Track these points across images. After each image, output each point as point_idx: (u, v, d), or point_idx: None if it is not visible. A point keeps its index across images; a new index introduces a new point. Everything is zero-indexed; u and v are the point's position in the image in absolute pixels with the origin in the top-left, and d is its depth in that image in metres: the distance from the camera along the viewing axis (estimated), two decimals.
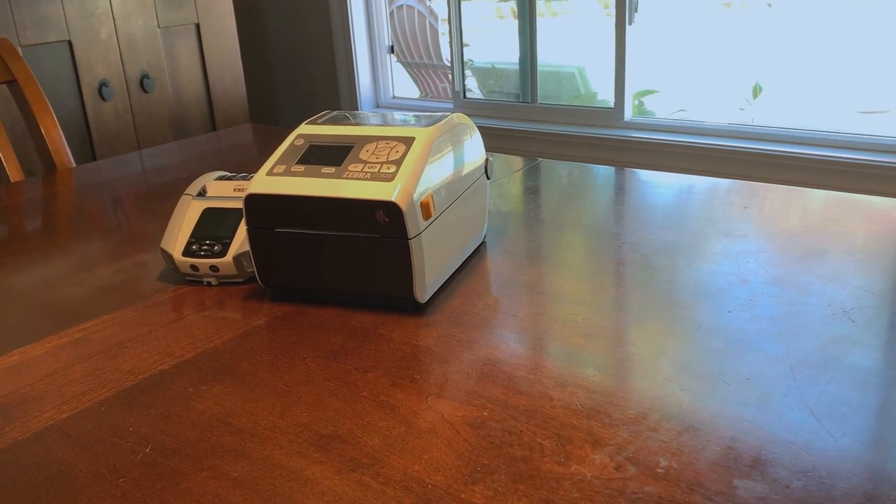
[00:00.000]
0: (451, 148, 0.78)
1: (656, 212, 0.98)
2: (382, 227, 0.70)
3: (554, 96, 3.11)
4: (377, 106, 3.18)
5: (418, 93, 3.96)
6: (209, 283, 0.82)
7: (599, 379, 0.60)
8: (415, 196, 0.70)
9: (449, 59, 3.08)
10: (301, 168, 0.74)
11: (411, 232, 0.69)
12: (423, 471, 0.51)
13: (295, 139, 0.78)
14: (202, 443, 0.55)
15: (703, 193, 1.07)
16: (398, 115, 0.86)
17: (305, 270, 0.75)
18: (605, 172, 1.21)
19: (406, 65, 3.90)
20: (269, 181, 0.74)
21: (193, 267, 0.82)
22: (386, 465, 0.51)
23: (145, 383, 0.64)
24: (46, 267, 0.91)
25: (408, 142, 0.74)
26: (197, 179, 0.90)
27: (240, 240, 0.81)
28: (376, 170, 0.71)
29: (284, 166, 0.75)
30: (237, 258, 0.81)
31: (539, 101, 2.79)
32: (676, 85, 3.33)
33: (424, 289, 0.73)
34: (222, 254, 0.81)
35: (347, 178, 0.71)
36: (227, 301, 0.79)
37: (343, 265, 0.73)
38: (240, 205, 0.85)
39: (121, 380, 0.64)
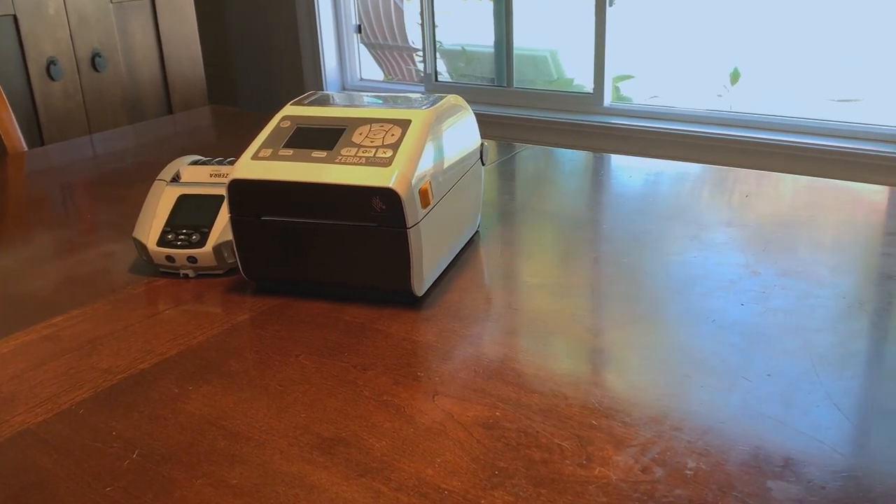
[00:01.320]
0: (448, 131, 0.77)
1: (653, 200, 0.98)
2: (378, 215, 0.68)
3: (527, 81, 3.10)
4: (343, 89, 3.15)
5: (382, 75, 3.93)
6: (186, 276, 0.80)
7: (614, 376, 0.59)
8: (413, 182, 0.68)
9: (414, 41, 3.06)
10: (289, 152, 0.72)
11: (409, 221, 0.68)
12: (436, 475, 0.49)
13: (280, 121, 0.76)
14: (194, 447, 0.53)
15: (698, 181, 1.07)
16: (389, 97, 0.84)
17: (293, 262, 0.73)
18: (593, 160, 1.21)
19: (369, 46, 3.86)
20: (254, 166, 0.72)
21: (169, 258, 0.79)
22: (396, 469, 0.50)
23: (125, 383, 0.61)
24: (4, 258, 0.88)
25: (404, 124, 0.72)
26: (169, 164, 0.88)
27: (220, 229, 0.79)
28: (371, 154, 0.70)
29: (271, 150, 0.72)
30: (217, 248, 0.78)
31: (515, 86, 2.78)
32: (653, 70, 3.35)
33: (422, 281, 0.71)
34: (201, 244, 0.79)
35: (340, 163, 0.69)
36: (206, 294, 0.77)
37: (335, 256, 0.71)
38: (218, 191, 0.82)
39: (98, 379, 0.62)
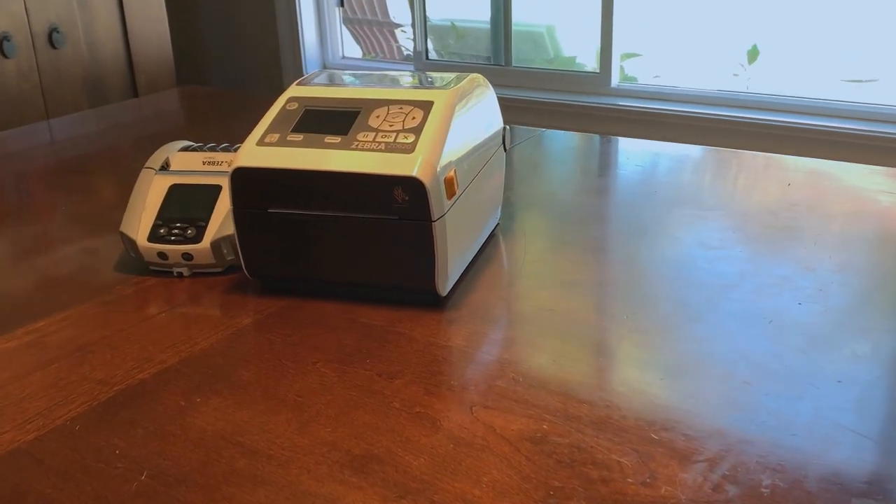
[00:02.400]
0: (472, 114, 0.75)
1: (683, 188, 0.97)
2: (400, 207, 0.67)
3: (524, 59, 3.09)
4: (324, 68, 3.12)
5: (360, 52, 3.90)
6: (180, 274, 0.78)
7: (669, 383, 0.58)
8: (438, 170, 0.67)
9: (395, 16, 3.03)
10: (299, 137, 0.70)
11: (435, 213, 0.66)
12: (485, 496, 0.48)
13: (287, 103, 0.74)
14: (210, 467, 0.51)
15: (726, 166, 1.06)
16: (403, 75, 0.83)
17: (303, 259, 0.71)
18: (607, 144, 1.20)
19: (347, 21, 3.83)
20: (260, 152, 0.70)
21: (161, 255, 0.77)
22: (440, 490, 0.49)
23: (124, 395, 0.60)
24: None
25: (425, 106, 0.71)
26: (157, 151, 0.86)
27: (218, 222, 0.77)
28: (391, 139, 0.68)
29: (278, 135, 0.71)
30: (215, 244, 0.77)
31: (513, 65, 2.77)
32: (662, 48, 3.34)
33: (446, 280, 0.70)
34: (197, 239, 0.77)
35: (357, 150, 0.68)
36: (204, 295, 0.75)
37: (350, 252, 0.70)
38: (213, 180, 0.81)
39: (93, 391, 0.60)
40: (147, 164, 0.84)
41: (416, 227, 0.67)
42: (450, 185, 0.68)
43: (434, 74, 0.80)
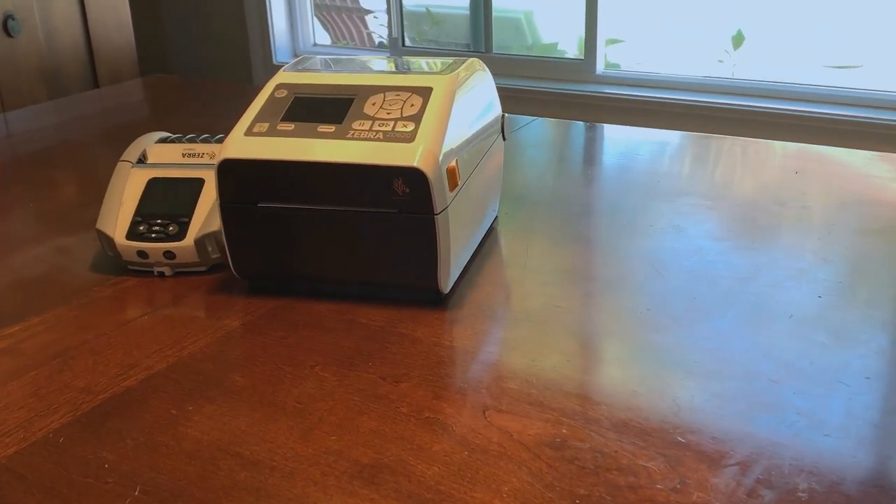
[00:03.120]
0: (471, 101, 0.74)
1: (684, 178, 0.97)
2: (400, 199, 0.65)
3: (502, 46, 3.08)
4: (295, 55, 3.09)
5: (329, 40, 3.87)
6: (161, 274, 0.76)
7: (692, 382, 0.57)
8: (440, 160, 0.65)
9: (364, 2, 3.00)
10: (290, 126, 0.68)
11: (437, 206, 0.65)
12: None
13: (275, 90, 0.72)
14: (208, 481, 0.50)
15: (727, 154, 1.05)
16: (395, 60, 0.82)
17: (296, 256, 0.70)
18: (613, 133, 1.19)
19: (315, 7, 3.80)
20: (248, 143, 0.68)
21: (141, 253, 0.75)
22: (458, 500, 0.47)
23: (109, 404, 0.58)
24: None
25: (423, 93, 0.69)
26: (133, 143, 0.84)
27: (202, 218, 0.75)
28: (389, 128, 0.67)
29: (267, 124, 0.69)
30: (199, 241, 0.75)
31: (494, 52, 2.76)
32: (644, 33, 3.35)
33: (448, 276, 0.69)
34: (180, 236, 0.75)
35: (353, 139, 0.66)
36: (188, 296, 0.73)
37: (346, 249, 0.68)
38: (194, 173, 0.79)
39: (76, 401, 0.58)
40: (123, 157, 0.82)
41: (417, 221, 0.66)
42: (452, 175, 0.67)
43: (429, 60, 0.79)
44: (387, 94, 0.70)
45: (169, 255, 0.75)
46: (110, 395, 0.59)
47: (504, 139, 0.84)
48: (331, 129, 0.67)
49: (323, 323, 0.67)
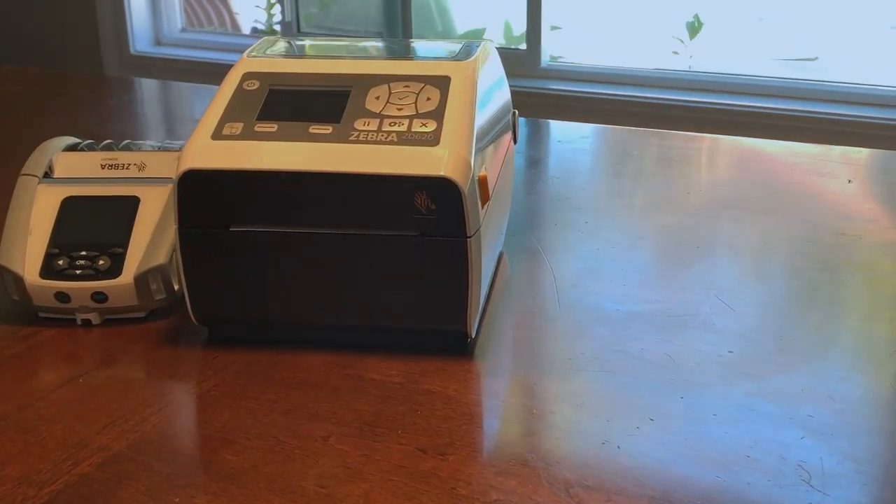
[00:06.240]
0: (491, 95, 0.72)
1: (724, 187, 0.96)
2: (423, 219, 0.62)
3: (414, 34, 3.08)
4: (158, 44, 3.02)
5: (180, 24, 3.79)
6: (87, 322, 0.71)
7: (811, 441, 0.56)
8: (473, 168, 0.62)
9: None
10: (271, 126, 0.64)
11: (471, 226, 0.62)
12: None
13: (243, 80, 0.68)
14: None
15: (789, 163, 1.06)
16: (382, 42, 0.78)
17: (280, 295, 0.65)
18: (624, 133, 1.19)
19: None
20: (218, 148, 0.64)
21: (62, 296, 0.70)
22: None
23: (63, 499, 0.52)
24: None
25: (441, 83, 0.66)
26: (35, 152, 0.78)
27: (142, 248, 0.71)
28: (404, 128, 0.63)
29: (241, 124, 0.65)
30: (141, 279, 0.70)
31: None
32: (586, 19, 3.41)
33: (476, 315, 0.66)
34: (113, 272, 0.70)
35: (358, 142, 0.63)
36: (128, 351, 0.68)
37: (348, 285, 0.64)
38: (123, 190, 0.75)
39: (15, 498, 0.52)
40: (25, 170, 0.76)
41: (444, 247, 0.62)
42: (483, 187, 0.64)
43: (425, 42, 0.76)
44: (392, 85, 0.67)
45: (99, 296, 0.70)
46: (62, 487, 0.53)
47: (515, 141, 0.82)
48: (327, 129, 0.64)
49: (323, 380, 0.63)
